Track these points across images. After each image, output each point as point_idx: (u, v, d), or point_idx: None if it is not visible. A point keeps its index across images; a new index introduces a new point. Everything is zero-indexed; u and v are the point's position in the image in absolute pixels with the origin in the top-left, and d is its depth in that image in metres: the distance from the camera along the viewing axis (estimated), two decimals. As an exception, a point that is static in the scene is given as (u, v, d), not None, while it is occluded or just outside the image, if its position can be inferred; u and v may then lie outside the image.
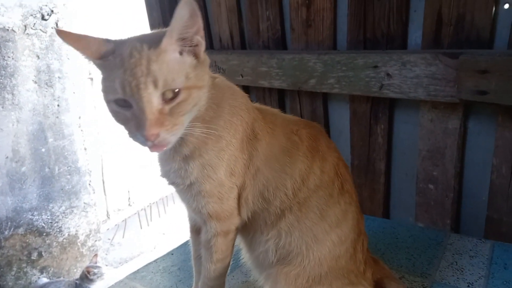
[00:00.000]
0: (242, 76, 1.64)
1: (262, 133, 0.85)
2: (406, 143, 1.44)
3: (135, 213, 3.44)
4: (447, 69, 1.21)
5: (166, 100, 0.67)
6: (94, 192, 2.84)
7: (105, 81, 0.69)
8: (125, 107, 0.68)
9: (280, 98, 1.68)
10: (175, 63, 0.69)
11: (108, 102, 0.70)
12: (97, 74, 0.74)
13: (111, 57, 0.68)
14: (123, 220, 3.34)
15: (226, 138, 0.80)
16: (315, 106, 1.59)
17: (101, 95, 0.71)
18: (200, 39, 0.72)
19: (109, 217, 3.28)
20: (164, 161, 0.83)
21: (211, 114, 0.79)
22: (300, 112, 1.63)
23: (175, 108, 0.69)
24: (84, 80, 2.84)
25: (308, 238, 0.85)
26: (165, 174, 0.84)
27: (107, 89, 0.68)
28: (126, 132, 0.70)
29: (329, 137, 0.98)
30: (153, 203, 3.56)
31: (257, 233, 0.88)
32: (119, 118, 0.70)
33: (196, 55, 0.72)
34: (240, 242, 0.92)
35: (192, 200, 0.83)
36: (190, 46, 0.71)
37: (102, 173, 3.17)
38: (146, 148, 0.70)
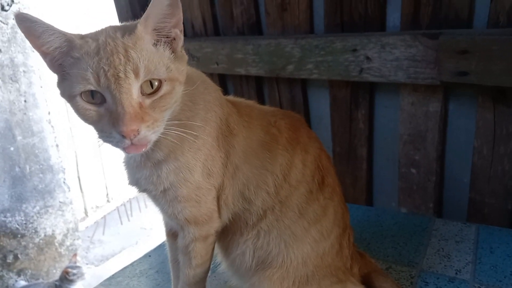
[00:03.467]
0: (218, 64, 1.60)
1: (238, 128, 0.82)
2: (387, 127, 1.43)
3: (115, 209, 3.42)
4: (427, 50, 1.19)
5: (145, 94, 0.64)
6: (69, 190, 2.80)
7: (68, 73, 0.65)
8: (95, 103, 0.64)
9: (257, 86, 1.64)
10: (153, 53, 0.66)
11: (73, 97, 0.65)
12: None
13: (82, 42, 0.64)
14: (102, 217, 3.32)
15: (202, 137, 0.77)
16: (294, 93, 1.56)
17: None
18: (179, 33, 0.69)
19: (87, 215, 3.25)
20: (133, 169, 0.79)
21: (188, 113, 0.75)
22: (279, 100, 1.61)
23: (157, 102, 0.66)
24: (52, 73, 2.72)
25: (286, 236, 0.82)
26: (135, 182, 0.80)
27: (73, 81, 0.64)
28: (96, 134, 0.66)
29: (309, 126, 0.95)
30: (133, 198, 3.53)
31: (236, 235, 0.85)
32: (88, 116, 0.65)
33: (173, 50, 0.69)
34: (216, 246, 0.88)
35: (168, 206, 0.79)
36: (167, 38, 0.68)
37: (77, 169, 3.13)
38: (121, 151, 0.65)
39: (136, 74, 0.63)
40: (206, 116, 0.78)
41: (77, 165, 3.11)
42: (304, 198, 0.84)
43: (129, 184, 0.82)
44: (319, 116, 1.56)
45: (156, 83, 0.65)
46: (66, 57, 0.65)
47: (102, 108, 0.64)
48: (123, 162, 0.82)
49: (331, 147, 1.53)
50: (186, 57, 0.73)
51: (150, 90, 0.65)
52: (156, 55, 0.66)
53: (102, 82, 0.62)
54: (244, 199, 0.83)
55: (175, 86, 0.68)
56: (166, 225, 0.93)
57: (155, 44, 0.67)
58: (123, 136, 0.63)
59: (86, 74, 0.62)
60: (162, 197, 0.78)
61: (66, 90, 0.65)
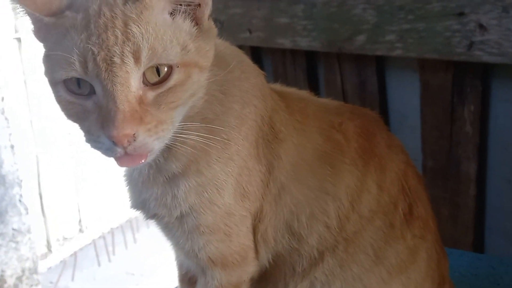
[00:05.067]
0: (250, 32, 1.64)
1: (286, 131, 0.85)
2: (509, 132, 1.43)
3: (90, 243, 3.42)
4: None
5: (148, 84, 0.68)
6: (27, 213, 2.83)
7: (52, 50, 0.69)
8: (82, 94, 0.68)
9: (309, 65, 1.66)
10: (165, 27, 0.69)
11: (54, 84, 0.70)
12: (29, 34, 0.75)
13: (69, 13, 0.68)
14: (72, 254, 3.32)
15: (237, 142, 0.81)
16: (365, 78, 1.57)
17: (41, 70, 0.70)
18: None
19: (50, 250, 3.23)
20: (138, 185, 0.83)
21: (216, 108, 0.80)
22: (341, 87, 1.62)
23: (163, 96, 0.69)
24: (7, 43, 2.79)
25: None
26: (140, 204, 0.84)
27: (55, 64, 0.68)
28: (82, 135, 0.70)
29: (389, 129, 0.99)
30: (116, 227, 3.54)
31: (278, 286, 0.88)
32: (72, 111, 0.70)
33: (196, 20, 0.72)
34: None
35: (185, 239, 0.83)
36: (188, 6, 0.71)
37: (39, 183, 3.12)
38: (114, 161, 0.70)
39: (137, 59, 0.66)
40: (243, 112, 0.82)
41: (38, 176, 3.10)
42: (381, 235, 0.86)
43: (132, 207, 0.85)
44: (402, 113, 1.56)
45: (165, 70, 0.68)
46: (50, 29, 0.69)
47: (90, 102, 0.68)
48: (124, 175, 0.85)
49: (419, 160, 1.53)
50: (214, 30, 0.76)
51: (156, 79, 0.68)
52: (169, 30, 0.69)
53: (90, 69, 0.65)
54: (292, 234, 0.85)
55: (191, 74, 0.71)
56: (181, 266, 0.97)
57: (172, 14, 0.70)
58: (114, 143, 0.66)
59: (71, 56, 0.65)
60: (178, 226, 0.82)
61: (48, 72, 0.70)
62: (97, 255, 3.42)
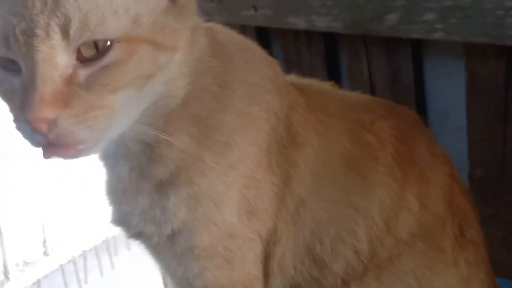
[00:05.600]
0: (256, 9, 1.61)
1: (305, 133, 0.87)
2: None
3: (57, 269, 3.41)
4: None
5: (83, 60, 0.68)
6: None
7: None
8: (11, 70, 0.69)
9: (328, 50, 1.64)
10: None
11: None
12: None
13: None
14: (34, 283, 3.31)
15: (240, 146, 0.82)
16: (398, 66, 1.54)
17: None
18: None
19: (8, 277, 3.27)
20: (118, 194, 0.85)
21: (211, 104, 0.81)
22: (368, 77, 1.59)
23: (97, 76, 0.68)
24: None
25: None
26: (122, 219, 0.85)
27: None
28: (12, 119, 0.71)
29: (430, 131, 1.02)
30: (90, 249, 3.53)
31: None
32: (2, 90, 0.71)
33: None
34: None
35: (177, 263, 0.84)
36: None
37: None
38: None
39: (65, 33, 0.65)
40: (248, 110, 0.83)
41: None
42: (426, 261, 0.88)
43: (112, 221, 0.87)
44: (443, 110, 1.54)
45: (105, 44, 0.67)
46: None
47: (17, 80, 0.68)
48: (105, 182, 0.87)
49: (465, 169, 1.49)
50: (193, 7, 0.77)
51: (92, 53, 0.67)
52: None
53: (12, 42, 0.66)
54: (314, 260, 0.87)
55: (138, 51, 0.69)
56: None
57: None
58: (31, 128, 0.66)
59: None
60: (169, 248, 0.83)
61: None
62: (65, 284, 3.41)
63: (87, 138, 0.69)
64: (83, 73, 0.67)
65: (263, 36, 1.70)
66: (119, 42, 0.68)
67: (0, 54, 0.68)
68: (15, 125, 0.71)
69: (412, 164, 0.91)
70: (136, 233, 0.85)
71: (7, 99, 0.71)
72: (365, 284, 0.87)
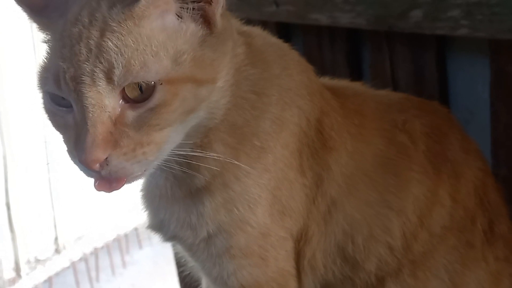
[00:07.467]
0: (277, 5, 1.60)
1: (338, 137, 0.89)
2: None
3: (68, 267, 3.40)
4: None
5: (130, 100, 0.72)
6: None
7: (46, 56, 0.77)
8: (64, 106, 0.74)
9: (351, 47, 1.63)
10: (156, 36, 0.72)
11: (41, 92, 0.78)
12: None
13: (54, 15, 0.74)
14: (46, 280, 3.31)
15: (274, 150, 0.84)
16: (422, 63, 1.53)
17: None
18: None
19: (19, 274, 3.24)
20: (155, 202, 0.87)
21: (247, 113, 0.83)
22: (391, 74, 1.58)
23: (145, 118, 0.72)
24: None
25: None
26: (159, 225, 0.88)
27: (41, 73, 0.76)
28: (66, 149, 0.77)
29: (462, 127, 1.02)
30: (101, 247, 3.53)
31: None
32: (55, 123, 0.76)
33: (206, 20, 0.75)
34: None
35: (212, 263, 0.87)
36: (196, 2, 0.73)
37: (6, 190, 3.14)
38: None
39: (109, 79, 0.70)
40: (282, 115, 0.85)
41: (6, 182, 3.12)
42: (458, 256, 0.90)
43: (148, 227, 0.90)
44: (469, 108, 1.53)
45: (147, 86, 0.71)
46: (44, 30, 0.78)
47: (70, 116, 0.74)
48: (141, 190, 0.90)
49: (489, 166, 1.42)
50: (231, 31, 0.79)
51: (137, 94, 0.72)
52: (159, 39, 0.72)
53: (63, 85, 0.71)
54: (345, 259, 0.89)
55: (180, 92, 0.73)
56: None
57: (178, 16, 0.74)
58: (85, 166, 0.72)
59: (46, 70, 0.73)
60: (204, 249, 0.86)
61: (37, 78, 0.77)
62: (77, 282, 3.40)
63: (136, 171, 0.75)
64: (131, 114, 0.72)
65: (285, 32, 1.70)
66: (161, 84, 0.71)
67: (52, 91, 0.73)
68: (69, 157, 0.76)
69: (445, 160, 0.93)
70: (171, 237, 0.88)
71: (62, 132, 0.76)
72: (401, 281, 0.89)
